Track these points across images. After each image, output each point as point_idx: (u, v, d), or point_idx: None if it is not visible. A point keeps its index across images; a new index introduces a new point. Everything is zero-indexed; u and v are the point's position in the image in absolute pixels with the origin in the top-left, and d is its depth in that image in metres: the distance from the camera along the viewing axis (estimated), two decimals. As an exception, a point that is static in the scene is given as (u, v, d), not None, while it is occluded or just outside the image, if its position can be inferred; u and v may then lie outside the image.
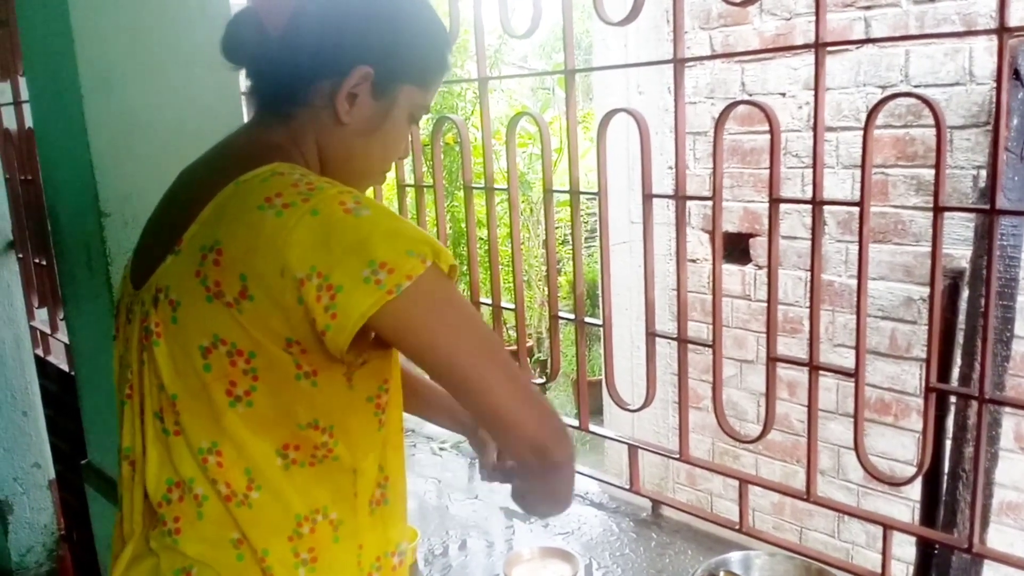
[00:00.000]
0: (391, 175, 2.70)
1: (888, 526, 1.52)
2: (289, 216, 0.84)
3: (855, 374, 1.46)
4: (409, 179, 2.33)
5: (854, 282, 2.66)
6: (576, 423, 2.04)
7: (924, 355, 2.56)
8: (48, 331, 2.83)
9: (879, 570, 1.54)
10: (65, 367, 2.65)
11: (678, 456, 1.84)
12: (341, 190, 0.88)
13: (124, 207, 1.71)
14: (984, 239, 2.31)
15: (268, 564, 0.90)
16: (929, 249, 2.50)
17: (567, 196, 1.88)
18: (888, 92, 2.44)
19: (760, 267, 2.89)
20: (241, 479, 0.90)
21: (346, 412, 0.93)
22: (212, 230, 0.89)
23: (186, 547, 0.92)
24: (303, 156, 0.98)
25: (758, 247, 2.88)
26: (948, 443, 2.34)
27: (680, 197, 1.66)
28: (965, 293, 2.41)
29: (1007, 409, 2.30)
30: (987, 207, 1.31)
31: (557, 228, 4.09)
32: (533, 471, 0.93)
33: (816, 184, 1.44)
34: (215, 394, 0.89)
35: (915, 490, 2.64)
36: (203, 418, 0.90)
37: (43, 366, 2.84)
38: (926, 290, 2.52)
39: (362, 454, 0.95)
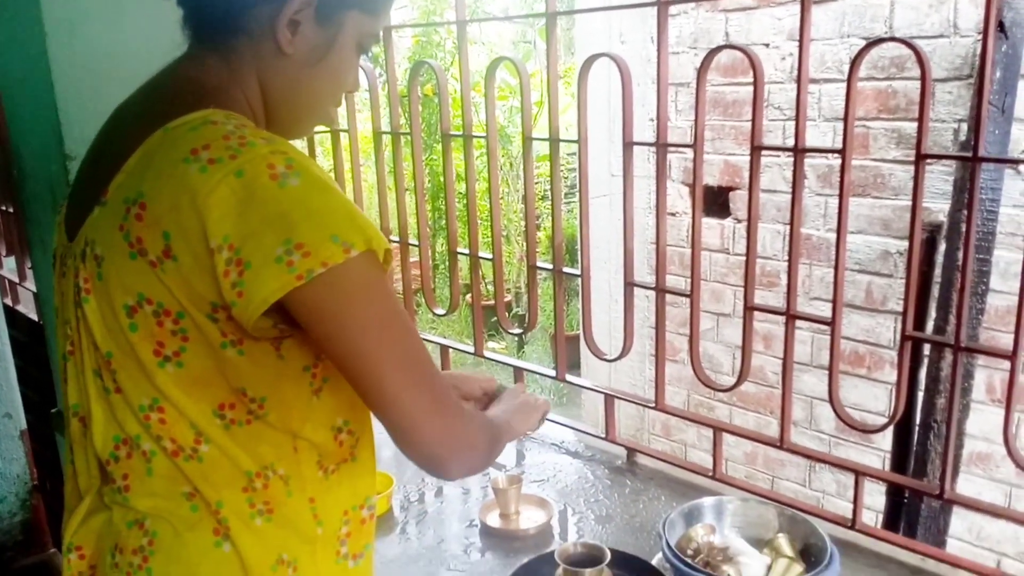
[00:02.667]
0: (368, 124, 2.63)
1: (860, 472, 1.54)
2: (213, 173, 0.79)
3: (831, 322, 1.47)
4: (386, 129, 2.28)
5: (832, 236, 2.67)
6: (553, 374, 2.05)
7: (899, 308, 2.58)
8: (16, 280, 2.78)
9: (850, 517, 1.56)
10: (34, 317, 2.60)
11: (654, 405, 1.85)
12: (274, 149, 0.81)
13: (90, 149, 1.66)
14: (963, 193, 2.32)
15: (223, 516, 0.88)
16: (908, 203, 2.50)
17: (547, 149, 1.85)
18: (872, 43, 2.43)
19: (739, 221, 2.88)
20: (187, 433, 0.87)
21: (278, 382, 0.88)
22: (136, 181, 0.84)
23: (136, 503, 0.90)
24: (244, 95, 0.92)
25: (738, 201, 2.87)
26: (920, 395, 2.38)
27: (661, 145, 1.63)
28: (942, 247, 2.43)
29: (980, 361, 2.33)
30: (970, 155, 1.30)
31: (536, 183, 4.06)
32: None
33: (798, 131, 1.42)
34: (143, 354, 0.86)
35: (886, 441, 2.69)
36: (139, 376, 0.87)
37: (12, 316, 2.79)
38: (903, 244, 2.53)
39: (299, 423, 0.91)
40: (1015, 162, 2.26)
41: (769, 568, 1.38)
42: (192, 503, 0.89)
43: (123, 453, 0.90)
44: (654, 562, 1.44)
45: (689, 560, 1.35)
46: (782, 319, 1.56)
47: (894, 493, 2.53)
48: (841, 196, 1.41)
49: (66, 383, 0.97)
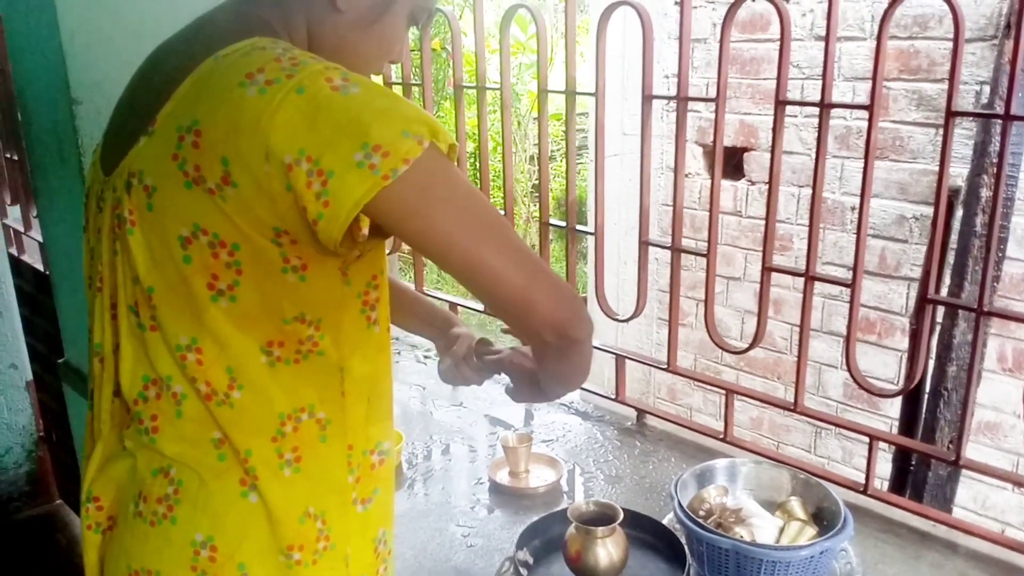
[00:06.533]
0: (377, 78, 2.60)
1: (874, 437, 1.52)
2: (273, 94, 0.78)
3: (852, 283, 1.44)
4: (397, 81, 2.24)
5: (848, 199, 2.63)
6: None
7: (913, 274, 2.55)
8: (22, 229, 2.75)
9: (861, 482, 1.55)
10: (40, 266, 2.58)
11: (666, 367, 1.83)
12: (327, 65, 0.81)
13: (95, 94, 1.63)
14: (983, 157, 2.28)
15: (251, 465, 0.87)
16: (926, 167, 2.45)
17: (559, 110, 1.81)
18: None
19: (753, 183, 2.84)
20: (223, 377, 0.86)
21: (336, 308, 0.88)
22: (190, 109, 0.83)
23: (164, 446, 0.89)
24: (291, 38, 0.91)
25: (752, 162, 2.83)
26: (931, 363, 2.36)
27: (681, 98, 1.59)
28: (959, 213, 2.39)
29: (992, 330, 2.31)
30: (1000, 113, 1.26)
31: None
32: (550, 353, 0.91)
33: (825, 85, 1.38)
34: (196, 288, 0.84)
35: (894, 409, 2.67)
36: (182, 313, 0.85)
37: (17, 266, 2.77)
38: (920, 209, 2.49)
39: (349, 352, 0.90)
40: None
41: (781, 530, 1.36)
42: (220, 451, 0.87)
43: (152, 393, 0.89)
44: (665, 522, 1.43)
45: (701, 521, 1.34)
46: (792, 284, 1.54)
47: (901, 460, 2.52)
48: (867, 153, 1.37)
49: (92, 322, 0.95)
